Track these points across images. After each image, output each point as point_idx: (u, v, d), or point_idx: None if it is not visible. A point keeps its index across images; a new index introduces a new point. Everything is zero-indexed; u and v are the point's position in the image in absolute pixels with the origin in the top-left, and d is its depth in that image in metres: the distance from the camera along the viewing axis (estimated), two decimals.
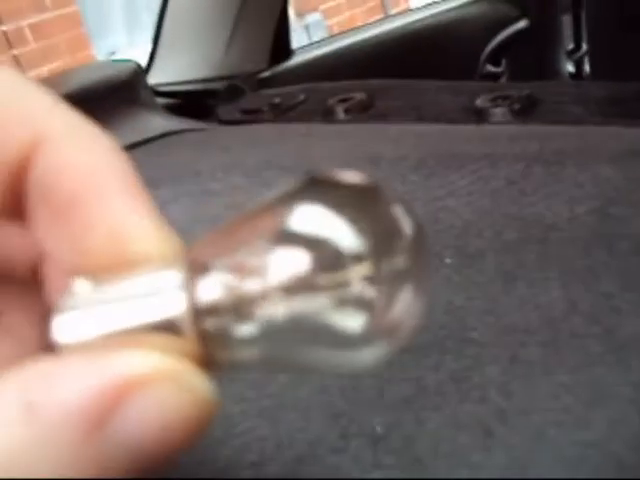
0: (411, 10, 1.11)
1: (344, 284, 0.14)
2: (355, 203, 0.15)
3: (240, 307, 0.15)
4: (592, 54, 1.18)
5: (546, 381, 0.21)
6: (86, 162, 0.16)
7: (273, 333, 0.15)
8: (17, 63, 2.65)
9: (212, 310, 0.15)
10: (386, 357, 0.16)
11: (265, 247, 0.15)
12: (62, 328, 0.16)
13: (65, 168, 0.16)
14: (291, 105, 0.65)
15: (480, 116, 0.52)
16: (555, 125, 0.42)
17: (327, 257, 0.14)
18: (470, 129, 0.43)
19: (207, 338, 0.15)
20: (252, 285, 0.15)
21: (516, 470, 0.19)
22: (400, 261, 0.15)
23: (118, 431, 0.14)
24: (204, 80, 0.82)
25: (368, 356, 0.15)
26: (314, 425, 0.22)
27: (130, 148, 0.52)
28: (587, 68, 1.21)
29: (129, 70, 0.64)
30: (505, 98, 0.52)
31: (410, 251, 0.15)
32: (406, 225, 0.16)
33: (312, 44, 1.08)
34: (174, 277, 0.15)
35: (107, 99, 0.62)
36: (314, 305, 0.14)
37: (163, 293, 0.15)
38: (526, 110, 0.50)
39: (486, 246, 0.30)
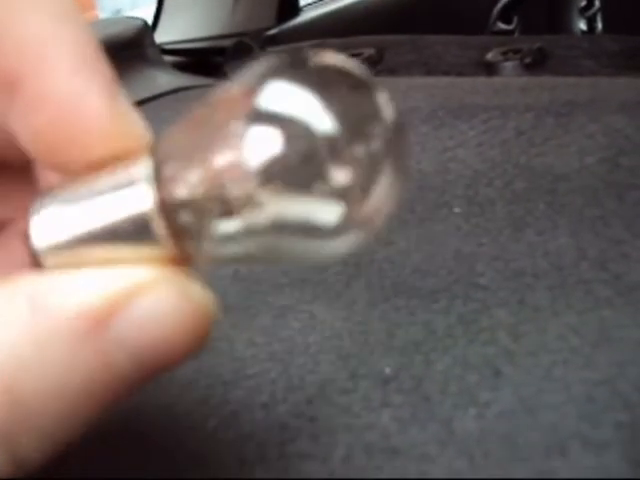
0: None
1: (319, 169, 0.14)
2: (331, 84, 0.15)
3: (214, 199, 0.14)
4: (605, 11, 1.16)
5: (554, 323, 0.22)
6: (36, 32, 0.15)
7: (250, 224, 0.14)
8: None
9: (185, 204, 0.15)
10: (362, 244, 0.15)
11: (235, 132, 0.14)
12: (36, 230, 0.16)
13: (12, 38, 0.15)
14: None
15: (491, 70, 0.51)
16: (566, 77, 0.42)
17: (301, 141, 0.14)
18: (481, 81, 0.43)
19: (181, 234, 0.15)
20: (226, 175, 0.14)
21: (524, 408, 0.19)
22: (376, 146, 0.15)
23: (119, 332, 0.14)
24: (211, 38, 0.81)
25: (343, 244, 0.15)
26: (324, 367, 0.22)
27: (140, 104, 0.51)
28: (600, 25, 1.19)
29: (136, 27, 0.63)
30: (516, 52, 0.51)
31: (387, 137, 0.15)
32: (386, 111, 0.15)
33: (319, 1, 1.07)
34: (142, 171, 0.15)
35: (115, 56, 0.61)
36: (290, 194, 0.14)
37: (132, 189, 0.15)
38: (537, 63, 0.49)
39: (496, 195, 0.30)
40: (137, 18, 0.68)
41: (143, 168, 0.15)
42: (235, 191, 0.14)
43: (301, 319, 0.25)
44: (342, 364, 0.22)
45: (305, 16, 0.92)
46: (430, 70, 0.54)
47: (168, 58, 0.73)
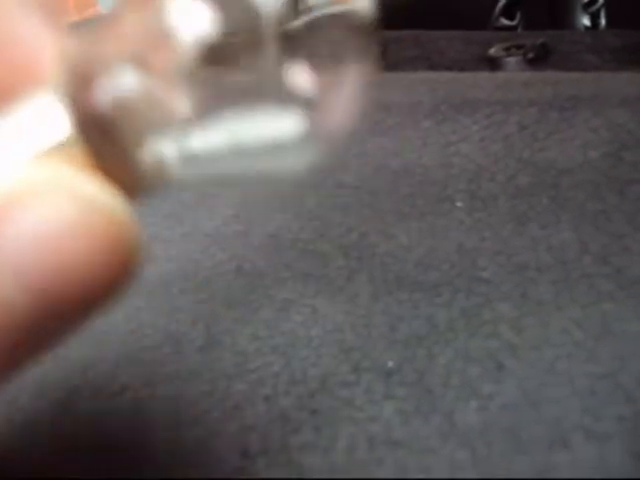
0: None
1: (272, 64, 0.13)
2: None
3: (146, 110, 0.13)
4: (608, 7, 1.16)
5: (557, 317, 0.22)
6: None
7: (190, 140, 0.13)
8: None
9: (112, 117, 0.13)
10: (320, 159, 0.14)
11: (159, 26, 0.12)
12: None
13: None
14: None
15: (494, 65, 0.51)
16: (570, 72, 0.42)
17: (242, 17, 0.13)
18: (483, 76, 0.43)
19: (113, 157, 0.13)
20: (157, 79, 0.12)
21: (527, 401, 0.19)
22: (345, 46, 0.13)
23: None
24: (226, 34, 0.81)
25: (300, 159, 0.14)
26: (326, 361, 0.22)
27: None
28: (603, 21, 1.19)
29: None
30: (519, 47, 0.51)
31: (360, 30, 0.13)
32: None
33: (320, 3, 1.06)
34: (58, 92, 0.13)
35: None
36: (237, 97, 0.13)
37: (50, 114, 0.13)
38: (540, 59, 0.49)
39: (498, 190, 0.30)
40: None
41: (56, 81, 0.13)
42: (174, 104, 0.13)
43: (303, 313, 0.25)
44: (344, 357, 0.22)
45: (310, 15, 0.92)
46: (433, 65, 0.54)
47: None
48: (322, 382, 0.22)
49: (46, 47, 0.14)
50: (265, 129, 0.13)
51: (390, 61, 0.57)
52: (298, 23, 0.14)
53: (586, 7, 1.15)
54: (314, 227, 0.30)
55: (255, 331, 0.25)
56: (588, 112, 0.33)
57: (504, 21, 1.16)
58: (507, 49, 0.51)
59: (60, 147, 0.13)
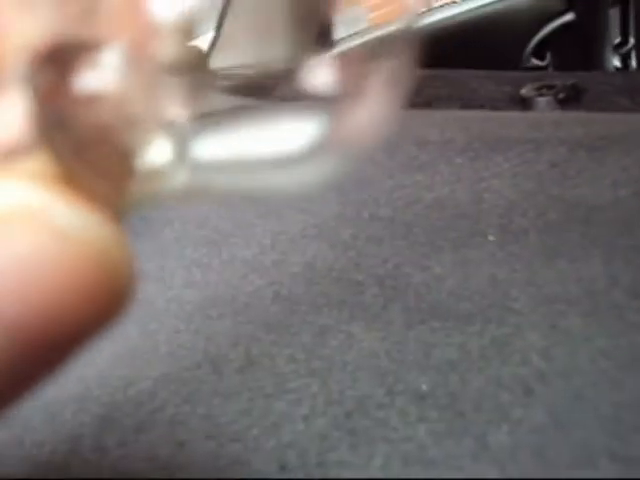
0: (455, 2, 1.11)
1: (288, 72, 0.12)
2: None
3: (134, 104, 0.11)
4: (639, 48, 1.17)
5: (585, 347, 0.22)
6: None
7: (192, 147, 0.12)
8: None
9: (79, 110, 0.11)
10: (330, 175, 0.13)
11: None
12: None
13: None
14: None
15: (525, 105, 0.52)
16: (600, 113, 0.43)
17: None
18: (515, 115, 0.44)
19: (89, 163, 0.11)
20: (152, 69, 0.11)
21: (555, 426, 0.20)
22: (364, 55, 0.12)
23: None
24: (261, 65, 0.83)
25: (312, 170, 0.13)
26: (362, 384, 0.23)
27: None
28: (634, 63, 1.20)
29: (194, 53, 0.65)
30: (550, 87, 0.52)
31: (396, 37, 0.12)
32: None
33: (353, 34, 1.09)
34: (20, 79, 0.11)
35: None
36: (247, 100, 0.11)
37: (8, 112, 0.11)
38: (571, 99, 0.50)
39: (529, 225, 0.31)
40: (194, 46, 0.70)
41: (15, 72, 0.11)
42: (170, 104, 0.11)
43: (340, 338, 0.26)
44: (379, 381, 0.23)
45: (340, 49, 0.94)
46: (465, 104, 0.55)
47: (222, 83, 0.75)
48: (358, 404, 0.23)
49: (11, 29, 0.11)
50: (280, 137, 0.12)
51: (423, 99, 0.59)
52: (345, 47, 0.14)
53: (617, 48, 1.16)
54: (349, 257, 0.31)
55: (293, 354, 0.26)
56: (618, 151, 0.34)
57: (535, 61, 1.17)
58: (538, 89, 0.52)
59: (21, 155, 0.11)
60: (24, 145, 0.11)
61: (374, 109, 0.13)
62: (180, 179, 0.12)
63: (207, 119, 0.12)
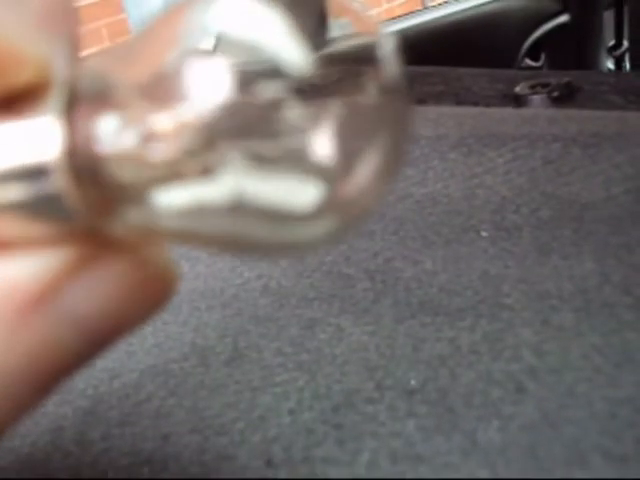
0: (449, 2, 1.11)
1: (293, 132, 0.11)
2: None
3: (149, 157, 0.11)
4: (633, 51, 1.17)
5: (578, 343, 0.22)
6: None
7: (200, 196, 0.12)
8: None
9: (107, 158, 0.11)
10: (338, 234, 0.13)
11: (180, 68, 0.11)
12: None
13: None
14: None
15: (519, 103, 0.52)
16: (594, 110, 0.42)
17: (266, 84, 0.11)
18: (509, 111, 0.44)
19: (101, 202, 0.12)
20: (170, 125, 0.11)
21: (547, 423, 0.19)
22: (369, 107, 0.12)
23: (60, 307, 0.13)
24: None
25: (315, 231, 0.12)
26: (350, 378, 0.23)
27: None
28: (628, 65, 1.20)
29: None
30: (544, 86, 0.52)
31: (385, 97, 0.12)
32: (388, 65, 0.12)
33: (348, 35, 1.08)
34: (51, 106, 0.11)
35: None
36: (255, 163, 0.11)
37: (38, 133, 0.11)
38: (565, 97, 0.50)
39: (522, 221, 0.30)
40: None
41: (52, 102, 0.12)
42: (182, 150, 0.11)
43: (328, 332, 0.26)
44: (368, 375, 0.23)
45: (334, 48, 0.94)
46: (459, 101, 0.54)
47: None
48: (346, 398, 0.22)
49: (52, 66, 0.12)
50: (280, 193, 0.12)
51: (417, 96, 0.58)
52: (322, 55, 0.13)
53: (611, 50, 1.16)
54: (340, 251, 0.31)
55: (281, 347, 0.25)
56: (611, 149, 0.34)
57: (529, 62, 1.17)
58: (532, 87, 0.52)
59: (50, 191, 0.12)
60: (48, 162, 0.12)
61: (372, 171, 0.12)
62: (172, 223, 0.12)
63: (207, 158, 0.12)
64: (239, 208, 0.12)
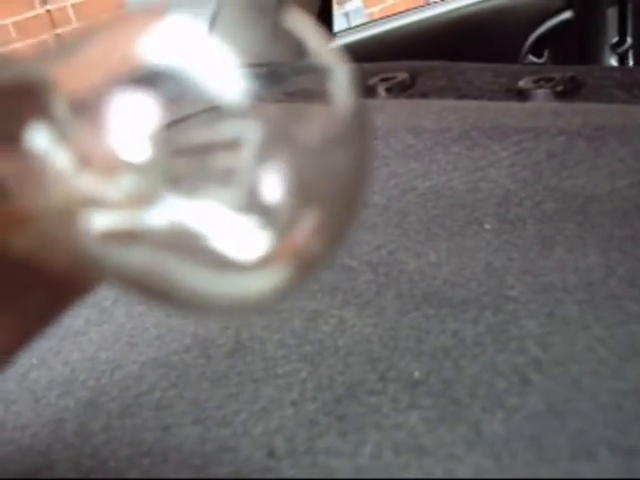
0: None
1: (238, 175, 0.11)
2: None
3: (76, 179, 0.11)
4: (637, 47, 1.17)
5: (583, 335, 0.22)
6: None
7: (135, 225, 0.11)
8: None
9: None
10: (285, 288, 0.12)
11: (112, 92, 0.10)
12: None
13: None
14: None
15: (522, 97, 0.52)
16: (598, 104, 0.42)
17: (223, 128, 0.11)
18: (513, 105, 0.44)
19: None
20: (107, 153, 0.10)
21: (551, 414, 0.19)
22: (326, 157, 0.11)
23: None
24: (252, 65, 0.83)
25: (259, 284, 0.11)
26: (353, 369, 0.23)
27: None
28: (631, 62, 1.20)
29: None
30: (548, 80, 0.52)
31: (339, 137, 0.11)
32: (341, 98, 0.11)
33: (352, 28, 1.08)
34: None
35: None
36: (194, 204, 0.11)
37: None
38: (569, 92, 0.50)
39: (526, 214, 0.30)
40: (193, 22, 0.69)
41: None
42: (121, 178, 0.11)
43: (331, 323, 0.25)
44: (371, 367, 0.23)
45: (338, 42, 0.93)
46: (462, 95, 0.54)
47: None
48: (349, 390, 0.22)
49: None
50: (223, 236, 0.11)
51: (420, 90, 0.58)
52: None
53: (614, 47, 1.15)
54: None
55: (283, 339, 0.25)
56: (616, 142, 0.34)
57: (532, 59, 1.17)
58: (536, 82, 0.52)
59: None
60: None
61: (324, 223, 0.11)
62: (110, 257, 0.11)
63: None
64: (173, 245, 0.11)
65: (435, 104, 0.46)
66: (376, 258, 0.29)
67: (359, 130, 0.12)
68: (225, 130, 0.11)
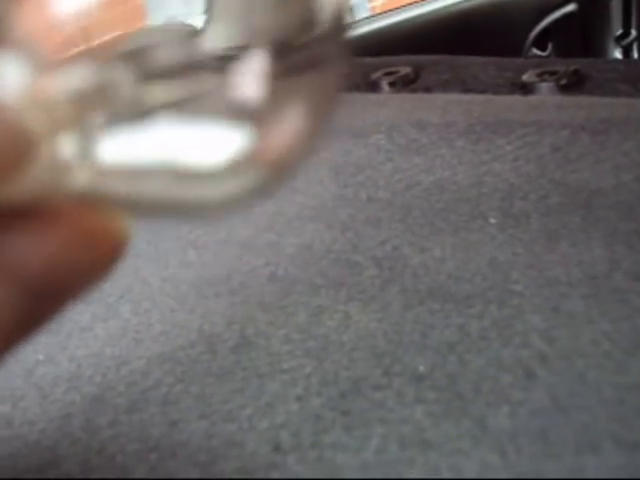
0: None
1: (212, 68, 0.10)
2: None
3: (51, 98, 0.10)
4: None
5: (588, 329, 0.22)
6: None
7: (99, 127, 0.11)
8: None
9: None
10: (260, 192, 0.12)
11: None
12: None
13: None
14: None
15: (526, 90, 0.52)
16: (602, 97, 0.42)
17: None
18: (517, 99, 0.44)
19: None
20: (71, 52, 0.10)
21: (557, 409, 0.19)
22: (304, 56, 0.11)
23: None
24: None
25: (233, 188, 0.11)
26: (358, 365, 0.23)
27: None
28: (636, 54, 1.20)
29: (184, 34, 0.65)
30: (552, 73, 0.52)
31: (317, 44, 0.11)
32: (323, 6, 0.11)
33: (355, 22, 1.08)
34: None
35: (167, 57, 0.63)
36: (171, 100, 0.10)
37: None
38: (573, 85, 0.50)
39: (531, 208, 0.30)
40: (186, 25, 0.69)
41: None
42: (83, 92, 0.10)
43: (336, 318, 0.25)
44: (376, 362, 0.23)
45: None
46: (467, 89, 0.54)
47: None
48: (354, 384, 0.22)
49: None
50: (201, 143, 0.11)
51: (424, 84, 0.58)
52: None
53: (618, 40, 1.15)
54: (347, 238, 0.31)
55: (288, 334, 0.25)
56: (620, 135, 0.34)
57: (536, 52, 1.17)
58: (540, 75, 0.52)
59: None
60: None
61: (301, 124, 0.11)
62: (81, 179, 0.11)
63: (122, 115, 0.11)
64: (157, 162, 0.11)
65: (439, 98, 0.46)
66: (380, 253, 0.29)
67: (337, 54, 0.12)
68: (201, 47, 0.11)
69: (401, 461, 0.19)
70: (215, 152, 0.11)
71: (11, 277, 0.13)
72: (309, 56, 0.11)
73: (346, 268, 0.29)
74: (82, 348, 0.29)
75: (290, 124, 0.11)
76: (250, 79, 0.11)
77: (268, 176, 0.11)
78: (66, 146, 0.11)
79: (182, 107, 0.11)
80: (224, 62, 0.11)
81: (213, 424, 0.22)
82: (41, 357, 0.28)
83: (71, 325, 0.30)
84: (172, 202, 0.12)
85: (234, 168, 0.11)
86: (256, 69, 0.11)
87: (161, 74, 0.11)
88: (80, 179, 0.11)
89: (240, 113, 0.11)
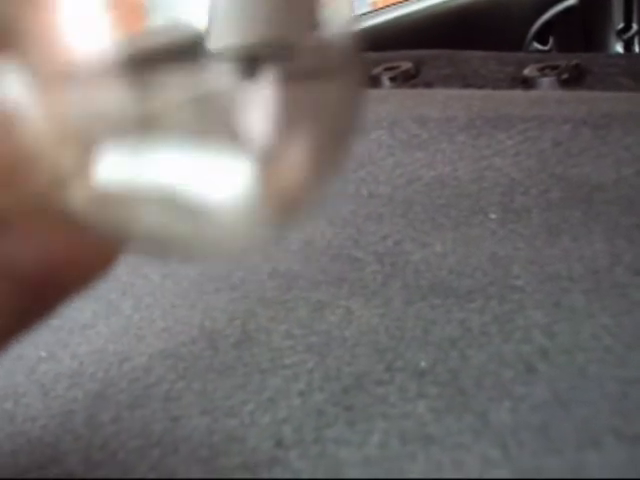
0: None
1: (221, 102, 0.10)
2: None
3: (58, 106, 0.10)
4: None
5: (589, 324, 0.22)
6: None
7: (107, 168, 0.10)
8: None
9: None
10: (261, 233, 0.11)
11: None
12: None
13: None
14: None
15: (527, 85, 0.52)
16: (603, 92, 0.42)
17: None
18: (518, 94, 0.44)
19: None
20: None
21: (558, 403, 0.19)
22: (312, 63, 0.10)
23: None
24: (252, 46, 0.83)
25: (239, 224, 0.10)
26: (360, 360, 0.23)
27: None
28: (637, 48, 1.19)
29: (188, 35, 0.65)
30: (553, 68, 0.52)
31: (333, 73, 0.10)
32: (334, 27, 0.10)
33: (355, 17, 1.08)
34: None
35: (169, 62, 0.63)
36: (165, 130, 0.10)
37: None
38: (574, 80, 0.50)
39: (531, 203, 0.30)
40: (191, 26, 0.69)
41: None
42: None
43: (338, 314, 0.25)
44: (378, 357, 0.23)
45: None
46: (467, 84, 0.54)
47: None
48: (356, 380, 0.22)
49: None
50: (204, 176, 0.10)
51: (425, 79, 0.58)
52: None
53: (620, 34, 1.15)
54: (348, 234, 0.31)
55: (290, 329, 0.25)
56: (621, 130, 0.34)
57: (537, 46, 1.16)
58: (541, 69, 0.52)
59: None
60: None
61: (315, 156, 0.10)
62: (77, 198, 0.10)
63: (124, 132, 0.10)
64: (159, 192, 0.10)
65: (440, 93, 0.46)
66: (382, 248, 0.29)
67: (349, 62, 0.11)
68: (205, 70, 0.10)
69: (403, 456, 0.19)
70: (219, 186, 0.10)
71: (7, 271, 0.12)
72: (317, 63, 0.11)
73: (347, 264, 0.29)
74: (84, 345, 0.29)
75: (302, 156, 0.10)
76: (259, 105, 0.10)
77: (276, 216, 0.11)
78: (66, 161, 0.10)
79: (186, 127, 0.10)
80: (228, 66, 0.11)
81: (215, 420, 0.22)
82: (43, 354, 0.28)
83: (73, 322, 0.30)
84: (169, 236, 0.11)
85: (240, 205, 0.10)
86: (265, 93, 0.10)
87: (164, 81, 0.10)
88: (76, 198, 0.10)
89: (248, 144, 0.10)
